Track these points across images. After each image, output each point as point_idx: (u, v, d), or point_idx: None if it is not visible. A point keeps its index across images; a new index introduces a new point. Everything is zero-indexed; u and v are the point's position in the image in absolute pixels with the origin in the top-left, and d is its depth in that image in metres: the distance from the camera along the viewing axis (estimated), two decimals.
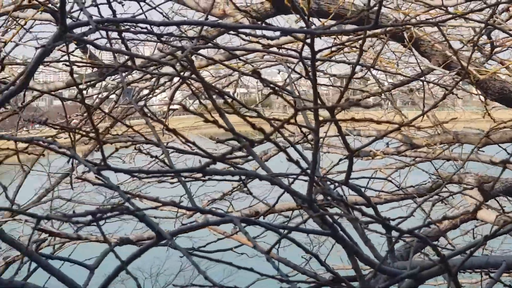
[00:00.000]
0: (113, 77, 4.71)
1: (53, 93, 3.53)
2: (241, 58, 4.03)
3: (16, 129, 5.81)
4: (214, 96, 1.85)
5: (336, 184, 2.42)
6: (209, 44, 2.52)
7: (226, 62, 4.39)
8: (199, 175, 1.62)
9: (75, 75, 4.75)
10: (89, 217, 1.44)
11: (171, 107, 6.02)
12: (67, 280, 1.82)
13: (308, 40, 1.81)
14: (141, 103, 5.70)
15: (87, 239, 4.93)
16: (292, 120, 1.76)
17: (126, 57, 2.14)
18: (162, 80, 5.38)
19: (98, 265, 2.58)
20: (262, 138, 1.34)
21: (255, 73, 1.34)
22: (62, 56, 3.91)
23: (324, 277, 2.36)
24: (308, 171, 2.21)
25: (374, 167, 6.95)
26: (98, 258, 2.90)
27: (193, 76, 1.98)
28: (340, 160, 2.63)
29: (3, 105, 2.00)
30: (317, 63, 3.30)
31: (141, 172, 1.46)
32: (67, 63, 2.83)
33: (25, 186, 7.86)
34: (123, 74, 2.13)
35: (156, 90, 5.64)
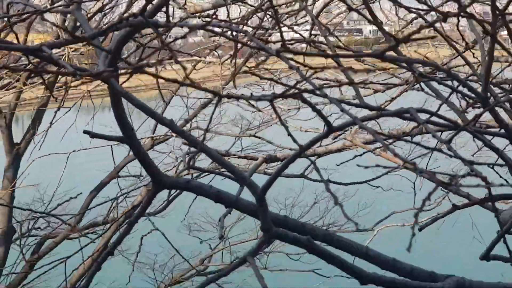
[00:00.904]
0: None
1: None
2: None
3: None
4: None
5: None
6: None
7: None
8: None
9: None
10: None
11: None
12: (236, 172, 1.83)
13: None
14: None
15: (235, 155, 5.00)
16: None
17: None
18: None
19: (250, 177, 2.59)
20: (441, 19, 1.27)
21: None
22: None
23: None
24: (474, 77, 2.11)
25: None
26: (249, 171, 2.92)
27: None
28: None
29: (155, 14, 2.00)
30: None
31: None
32: None
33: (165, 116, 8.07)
34: None
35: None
